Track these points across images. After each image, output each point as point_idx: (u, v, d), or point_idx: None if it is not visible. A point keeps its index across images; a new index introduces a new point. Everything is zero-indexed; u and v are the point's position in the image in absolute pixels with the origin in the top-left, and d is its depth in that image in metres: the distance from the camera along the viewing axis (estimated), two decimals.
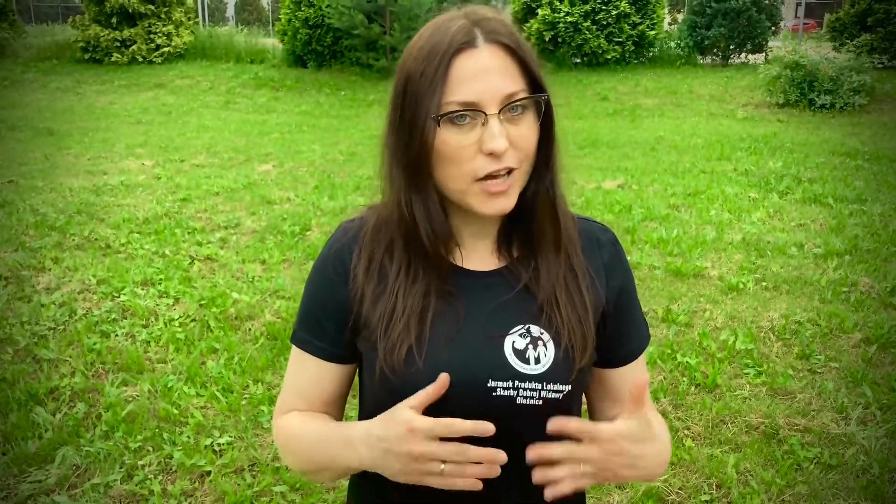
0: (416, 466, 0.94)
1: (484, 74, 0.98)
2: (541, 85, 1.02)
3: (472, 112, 0.98)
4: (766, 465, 2.95)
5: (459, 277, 1.10)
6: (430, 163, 1.02)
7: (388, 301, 1.07)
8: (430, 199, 1.05)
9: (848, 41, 15.08)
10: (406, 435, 0.94)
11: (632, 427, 0.95)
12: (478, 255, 1.12)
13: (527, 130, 1.01)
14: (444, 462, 0.92)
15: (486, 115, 0.98)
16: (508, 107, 0.99)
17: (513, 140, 0.99)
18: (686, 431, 3.18)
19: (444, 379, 0.97)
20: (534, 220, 1.09)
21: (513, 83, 0.99)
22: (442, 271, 1.08)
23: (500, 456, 0.93)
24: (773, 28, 17.45)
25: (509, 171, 1.00)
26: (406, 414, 0.95)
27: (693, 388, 3.53)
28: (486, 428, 0.93)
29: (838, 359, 3.79)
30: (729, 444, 3.10)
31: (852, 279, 4.81)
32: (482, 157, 0.99)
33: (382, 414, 1.00)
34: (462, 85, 0.98)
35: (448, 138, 0.99)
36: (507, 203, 1.02)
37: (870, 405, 3.35)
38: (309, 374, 1.16)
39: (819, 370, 3.69)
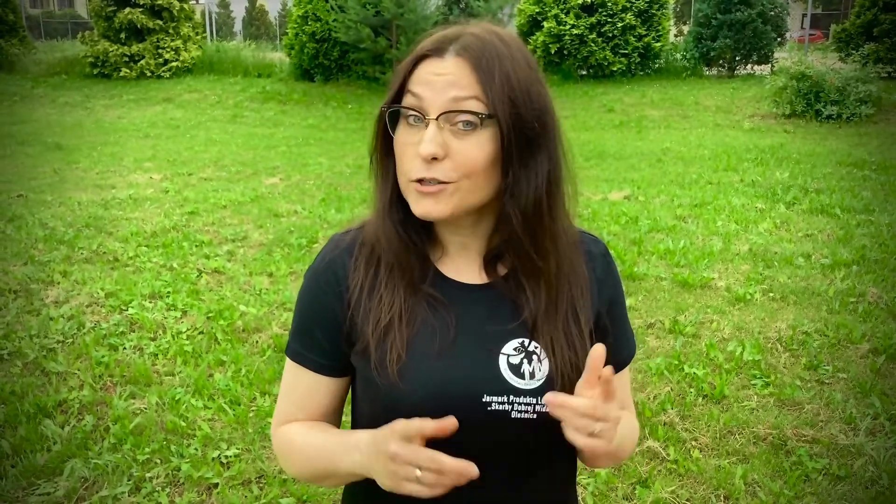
0: (393, 468, 0.93)
1: (437, 80, 0.99)
2: (496, 106, 0.98)
3: (417, 113, 1.00)
4: (775, 476, 2.94)
5: (449, 288, 1.09)
6: (384, 156, 1.06)
7: (376, 302, 1.08)
8: (388, 193, 1.07)
9: (854, 52, 15.07)
10: (388, 436, 0.94)
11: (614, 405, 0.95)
12: (466, 268, 1.11)
13: (470, 147, 0.99)
14: (419, 469, 0.92)
15: (426, 118, 0.99)
16: (450, 116, 0.98)
17: (451, 152, 0.99)
18: (693, 442, 3.17)
19: (451, 423, 0.95)
20: (515, 250, 1.07)
21: (462, 92, 0.98)
22: (408, 265, 1.08)
23: (472, 470, 0.92)
24: (779, 39, 17.48)
25: (439, 183, 0.99)
26: (398, 423, 0.95)
27: (700, 399, 3.52)
28: (451, 423, 0.93)
29: (846, 369, 3.77)
30: (737, 455, 3.09)
31: (860, 289, 4.79)
32: (419, 160, 0.99)
33: (379, 429, 0.99)
34: (416, 86, 1.00)
35: (399, 135, 1.03)
36: (435, 209, 1.01)
37: (878, 416, 3.34)
38: (304, 386, 1.16)
39: (827, 381, 3.68)
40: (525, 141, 1.01)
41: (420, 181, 1.00)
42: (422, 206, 1.01)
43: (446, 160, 0.99)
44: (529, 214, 1.04)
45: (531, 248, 1.06)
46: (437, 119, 0.98)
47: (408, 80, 1.02)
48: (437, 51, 1.01)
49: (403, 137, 1.02)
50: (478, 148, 0.99)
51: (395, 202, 1.07)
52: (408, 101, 1.01)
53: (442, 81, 0.98)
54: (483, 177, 1.01)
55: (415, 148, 0.99)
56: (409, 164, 1.01)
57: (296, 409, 1.17)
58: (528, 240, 1.05)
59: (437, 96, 0.98)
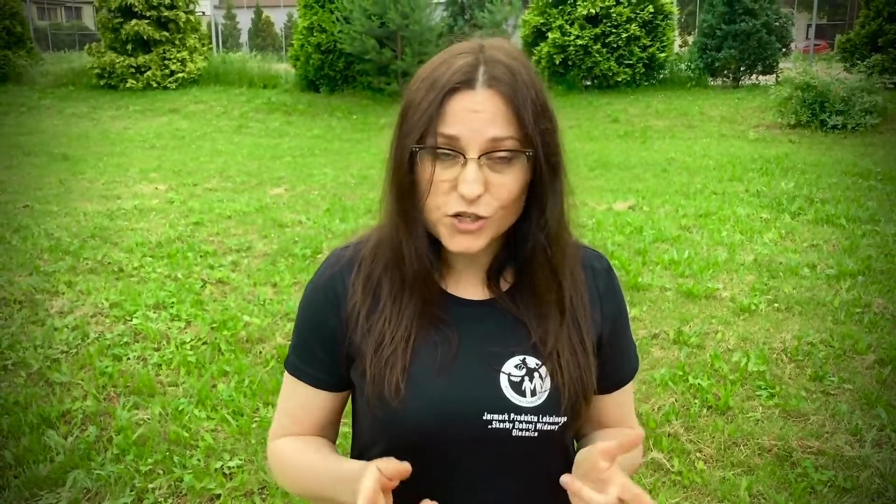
0: None
1: (473, 117, 0.96)
2: (532, 139, 0.99)
3: (453, 150, 0.97)
4: (780, 487, 2.92)
5: (452, 305, 1.09)
6: (413, 190, 1.03)
7: (379, 325, 1.07)
8: (415, 225, 1.04)
9: (859, 62, 15.06)
10: (357, 491, 0.92)
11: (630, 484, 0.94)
12: (469, 283, 1.11)
13: (509, 181, 0.99)
14: None
15: (466, 157, 0.97)
16: (490, 154, 0.97)
17: (491, 187, 0.98)
18: (698, 454, 3.15)
19: (405, 468, 0.94)
20: (532, 274, 1.08)
21: (501, 131, 0.97)
22: (429, 296, 1.07)
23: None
24: (784, 49, 17.47)
25: (479, 218, 0.99)
26: (366, 479, 0.91)
27: (705, 410, 3.51)
28: (405, 468, 0.93)
29: (852, 380, 3.75)
30: (741, 466, 3.07)
31: (866, 300, 4.77)
32: (455, 196, 0.98)
33: (363, 463, 0.98)
34: (450, 122, 0.97)
35: (428, 170, 0.99)
36: (474, 244, 1.01)
37: (884, 427, 3.32)
38: (301, 399, 1.15)
39: (832, 392, 3.66)
40: (553, 166, 1.03)
41: (457, 215, 0.99)
42: (460, 243, 1.01)
43: (486, 195, 0.98)
44: (554, 233, 1.05)
45: (555, 264, 1.07)
46: (478, 158, 0.97)
47: (437, 115, 0.98)
48: (467, 82, 0.98)
49: (436, 173, 0.99)
50: (514, 181, 0.99)
51: (422, 235, 1.05)
52: (441, 140, 0.98)
53: (479, 120, 0.96)
54: (515, 205, 1.02)
55: (448, 184, 0.98)
56: (444, 199, 0.99)
57: (292, 422, 1.17)
58: (552, 256, 1.06)
59: (475, 136, 0.96)
